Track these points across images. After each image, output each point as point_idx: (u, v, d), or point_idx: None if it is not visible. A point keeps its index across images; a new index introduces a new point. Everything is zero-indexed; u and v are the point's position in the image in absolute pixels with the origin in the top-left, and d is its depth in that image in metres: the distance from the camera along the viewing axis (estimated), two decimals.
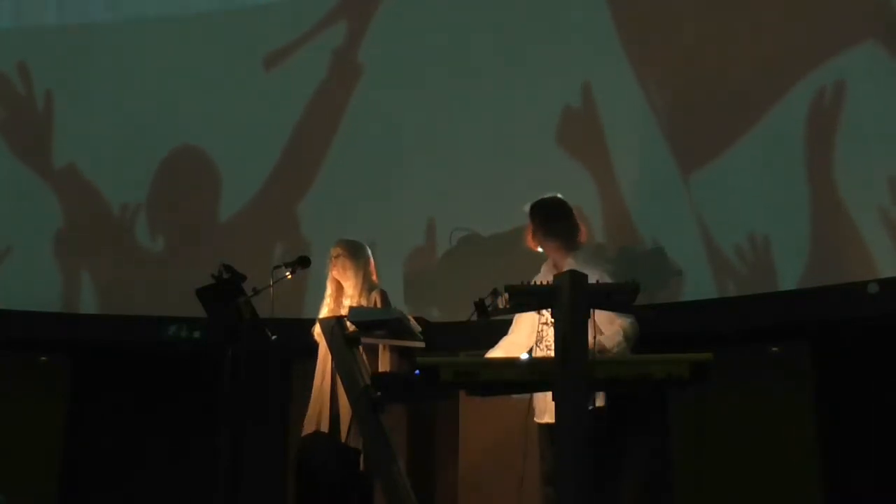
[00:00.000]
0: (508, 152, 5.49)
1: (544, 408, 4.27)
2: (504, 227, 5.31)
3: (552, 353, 4.06)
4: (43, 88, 6.28)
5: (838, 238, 4.72)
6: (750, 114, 4.97)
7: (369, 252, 4.89)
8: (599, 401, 4.18)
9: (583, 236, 4.53)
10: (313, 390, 4.74)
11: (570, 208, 4.53)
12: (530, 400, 4.35)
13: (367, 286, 4.78)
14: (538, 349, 4.40)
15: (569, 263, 4.29)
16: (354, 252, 4.82)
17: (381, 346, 4.59)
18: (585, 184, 5.30)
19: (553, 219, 4.47)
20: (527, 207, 4.52)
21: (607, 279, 4.09)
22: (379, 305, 4.70)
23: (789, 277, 4.81)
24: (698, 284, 5.01)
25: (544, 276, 4.31)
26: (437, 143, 5.69)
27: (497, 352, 4.42)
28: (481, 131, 5.59)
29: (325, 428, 4.59)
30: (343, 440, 4.53)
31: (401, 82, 5.81)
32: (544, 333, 4.38)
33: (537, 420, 4.35)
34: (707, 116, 5.10)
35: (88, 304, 6.04)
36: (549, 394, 4.06)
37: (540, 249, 4.51)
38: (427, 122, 5.74)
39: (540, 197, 4.55)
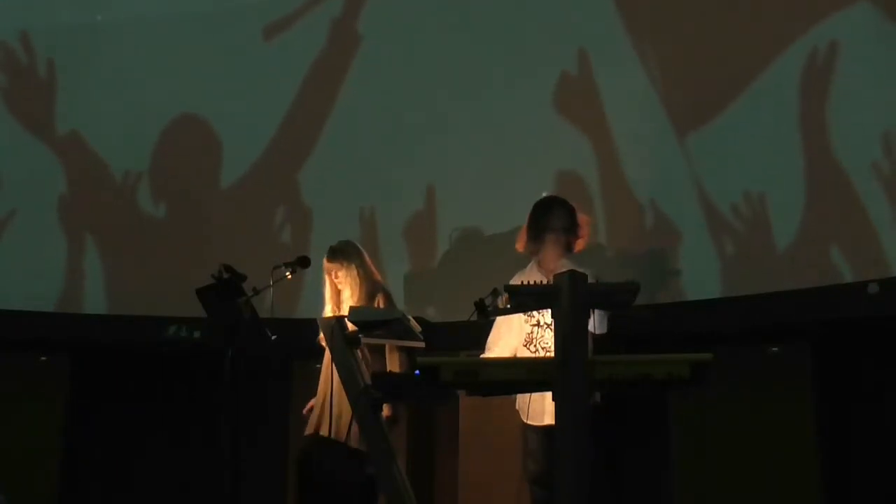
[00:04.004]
0: (507, 120, 5.51)
1: (542, 409, 4.25)
2: (504, 219, 5.33)
3: (542, 355, 4.08)
4: (45, 58, 6.28)
5: (833, 194, 4.76)
6: (745, 75, 5.00)
7: (361, 251, 4.81)
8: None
9: (581, 243, 4.49)
10: (319, 390, 4.72)
11: (568, 203, 4.50)
12: (529, 401, 4.33)
13: (368, 288, 4.71)
14: (528, 352, 4.38)
15: (563, 265, 4.26)
16: (344, 259, 4.73)
17: (387, 346, 4.59)
18: (583, 149, 5.33)
19: (547, 213, 4.44)
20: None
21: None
22: (382, 307, 4.67)
23: (786, 234, 4.85)
24: (697, 247, 5.05)
25: (530, 275, 4.27)
26: (437, 114, 5.70)
27: (490, 355, 4.39)
28: (480, 101, 5.60)
29: (324, 429, 4.58)
30: (345, 442, 4.52)
31: (400, 53, 5.83)
32: (535, 335, 4.36)
33: (534, 422, 4.32)
34: (703, 79, 5.13)
35: (88, 302, 6.05)
36: (548, 395, 4.08)
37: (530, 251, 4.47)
38: (426, 93, 5.74)
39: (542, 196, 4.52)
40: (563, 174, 5.36)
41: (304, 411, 4.81)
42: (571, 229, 4.44)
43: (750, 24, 5.05)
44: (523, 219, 4.57)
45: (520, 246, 4.51)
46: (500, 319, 4.36)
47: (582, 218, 4.50)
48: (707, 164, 5.07)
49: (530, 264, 4.48)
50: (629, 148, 5.25)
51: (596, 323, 4.15)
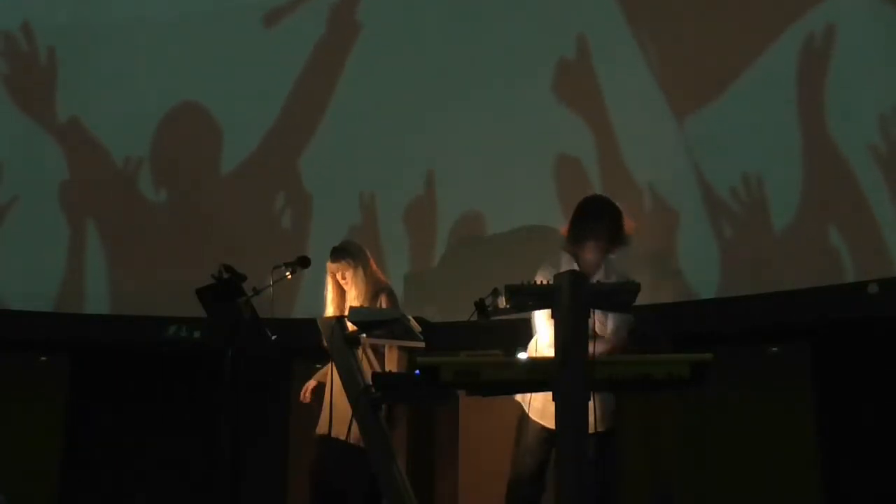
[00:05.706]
0: (506, 108, 5.52)
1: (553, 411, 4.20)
2: (505, 218, 5.33)
3: None
4: (45, 47, 6.29)
5: (833, 183, 4.78)
6: (743, 59, 5.02)
7: (365, 251, 4.80)
8: (601, 426, 4.10)
9: (628, 230, 4.28)
10: (325, 392, 4.71)
11: (617, 210, 4.29)
12: (530, 399, 4.31)
13: (373, 289, 4.70)
14: None
15: (601, 265, 4.19)
16: (350, 259, 4.72)
17: (387, 346, 4.58)
18: (583, 136, 5.34)
19: (594, 218, 4.25)
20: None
21: None
22: (385, 307, 4.65)
23: (784, 215, 4.87)
24: (695, 234, 5.06)
25: (564, 266, 4.13)
26: (437, 101, 5.71)
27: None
28: (480, 89, 5.61)
29: (337, 430, 4.56)
30: (353, 441, 4.52)
31: (399, 41, 5.84)
32: None
33: (542, 421, 4.28)
34: (700, 63, 5.15)
35: (89, 301, 6.05)
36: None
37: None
38: (425, 81, 5.75)
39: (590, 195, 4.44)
40: (562, 161, 5.35)
41: (307, 394, 4.79)
42: (614, 238, 4.23)
43: (747, 8, 5.07)
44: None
45: (565, 231, 4.35)
46: (534, 315, 4.25)
47: (629, 224, 4.28)
48: (706, 149, 5.07)
49: (564, 258, 4.28)
50: (628, 134, 5.25)
51: (610, 328, 4.12)
